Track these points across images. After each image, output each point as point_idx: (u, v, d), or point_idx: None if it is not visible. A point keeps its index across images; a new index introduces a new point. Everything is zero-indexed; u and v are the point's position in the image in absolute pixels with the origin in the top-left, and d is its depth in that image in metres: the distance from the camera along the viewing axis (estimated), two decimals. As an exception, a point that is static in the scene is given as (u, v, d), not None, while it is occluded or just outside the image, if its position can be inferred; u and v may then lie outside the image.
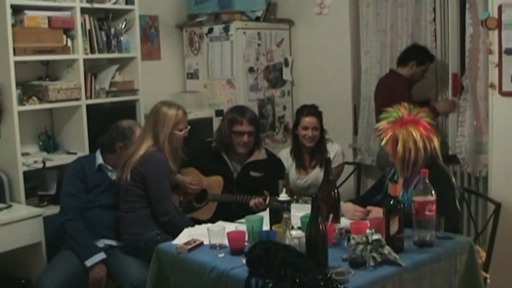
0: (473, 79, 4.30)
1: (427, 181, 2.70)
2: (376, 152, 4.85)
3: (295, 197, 3.44)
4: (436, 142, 3.03)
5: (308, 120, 4.06)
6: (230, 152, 3.96)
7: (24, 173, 3.85)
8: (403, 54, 4.58)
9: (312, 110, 4.10)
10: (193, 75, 5.36)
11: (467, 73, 4.35)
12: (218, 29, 5.13)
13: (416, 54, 4.52)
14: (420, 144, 2.95)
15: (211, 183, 3.91)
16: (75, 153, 4.09)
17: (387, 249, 2.48)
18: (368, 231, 2.53)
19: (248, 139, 3.88)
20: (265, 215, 3.01)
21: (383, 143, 3.05)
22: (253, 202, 3.65)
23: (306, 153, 4.16)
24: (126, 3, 4.44)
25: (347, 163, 4.47)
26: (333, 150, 4.16)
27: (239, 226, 2.94)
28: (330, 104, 4.63)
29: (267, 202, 3.57)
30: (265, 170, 3.93)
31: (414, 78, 4.57)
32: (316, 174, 4.07)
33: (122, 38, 4.44)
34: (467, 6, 4.26)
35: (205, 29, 5.20)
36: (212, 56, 5.20)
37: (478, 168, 4.37)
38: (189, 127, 3.64)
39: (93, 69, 4.33)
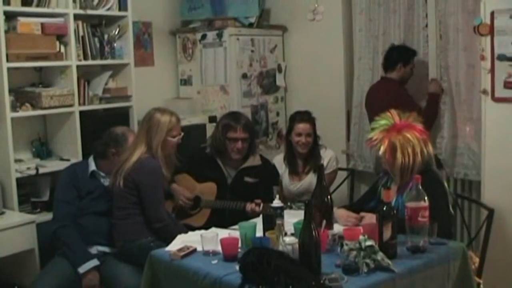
0: (450, 83, 4.42)
1: (420, 187, 2.70)
2: (369, 158, 4.86)
3: (288, 203, 3.44)
4: (430, 147, 3.03)
5: (301, 127, 4.06)
6: (224, 157, 3.95)
7: (17, 179, 3.84)
8: (387, 59, 4.58)
9: (305, 116, 4.11)
10: (186, 82, 5.36)
11: (445, 77, 4.46)
12: (211, 35, 5.13)
13: (399, 56, 4.53)
14: (418, 149, 2.95)
15: (204, 190, 3.91)
16: (68, 160, 4.09)
17: (380, 255, 2.48)
18: (361, 237, 2.53)
19: (242, 146, 3.88)
20: (259, 221, 3.01)
21: (381, 152, 3.00)
22: (249, 206, 3.65)
23: (299, 159, 4.16)
24: (120, 10, 4.43)
25: (340, 169, 4.47)
26: (326, 156, 4.17)
27: (232, 232, 2.94)
28: (323, 110, 4.63)
29: (260, 208, 3.57)
30: (260, 176, 3.92)
31: (405, 78, 4.59)
32: (310, 180, 4.07)
33: (115, 45, 4.44)
34: None
35: (199, 36, 5.20)
36: (205, 62, 5.20)
37: (455, 169, 4.42)
38: (182, 133, 3.64)
39: (86, 75, 4.32)
